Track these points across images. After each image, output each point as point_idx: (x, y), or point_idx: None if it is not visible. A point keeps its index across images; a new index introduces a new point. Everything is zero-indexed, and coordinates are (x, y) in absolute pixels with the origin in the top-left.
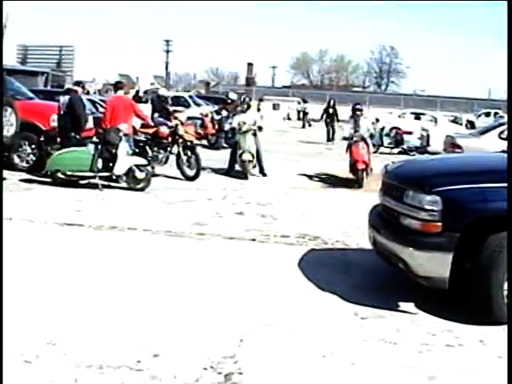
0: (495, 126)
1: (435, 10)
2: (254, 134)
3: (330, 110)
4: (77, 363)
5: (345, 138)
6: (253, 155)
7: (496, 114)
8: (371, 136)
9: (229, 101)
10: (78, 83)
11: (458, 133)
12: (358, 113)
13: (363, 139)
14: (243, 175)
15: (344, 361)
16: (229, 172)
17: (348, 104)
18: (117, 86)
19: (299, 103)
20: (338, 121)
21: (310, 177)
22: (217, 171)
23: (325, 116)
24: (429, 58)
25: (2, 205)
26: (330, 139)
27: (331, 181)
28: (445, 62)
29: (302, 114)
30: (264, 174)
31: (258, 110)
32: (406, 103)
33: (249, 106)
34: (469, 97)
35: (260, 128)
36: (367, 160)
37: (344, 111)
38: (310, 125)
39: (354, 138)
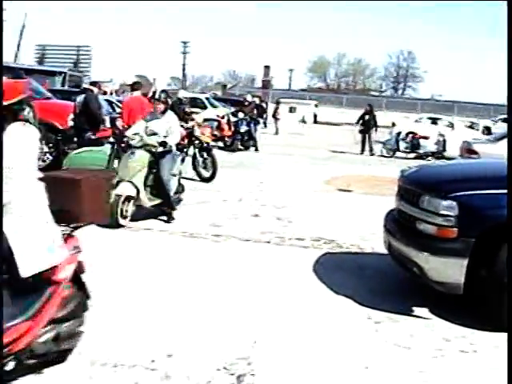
0: None
1: (455, 13)
2: (162, 155)
3: (367, 117)
4: (92, 361)
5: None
6: (138, 189)
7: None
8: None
9: (246, 103)
10: (94, 83)
11: (475, 138)
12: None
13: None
14: (111, 220)
15: (357, 364)
16: None
17: (364, 108)
18: (134, 86)
19: (316, 106)
20: (377, 129)
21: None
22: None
23: (360, 123)
24: (446, 62)
25: (2, 204)
26: (363, 150)
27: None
28: (463, 67)
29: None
30: (168, 218)
31: (274, 116)
32: (423, 108)
33: (166, 108)
34: (486, 102)
35: (163, 144)
36: None
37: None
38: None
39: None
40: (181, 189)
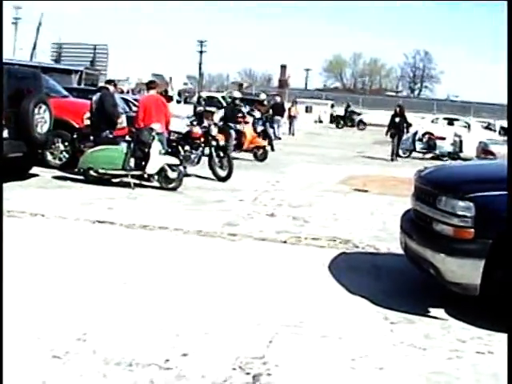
0: None
1: (468, 14)
2: None
3: (397, 119)
4: (106, 360)
5: None
6: None
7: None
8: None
9: (264, 102)
10: (110, 81)
11: (492, 139)
12: None
13: None
14: None
15: (372, 365)
16: None
17: (381, 108)
18: (149, 85)
19: (332, 106)
20: (408, 132)
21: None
22: None
23: (391, 126)
24: (463, 63)
25: (2, 203)
26: (393, 155)
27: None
28: (479, 67)
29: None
30: None
31: (289, 115)
32: (439, 109)
33: None
34: (503, 103)
35: None
36: None
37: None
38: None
39: None
40: None
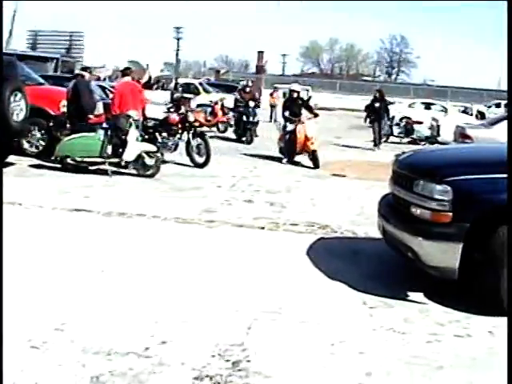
0: (506, 116)
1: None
2: None
3: (377, 104)
4: (85, 349)
5: None
6: None
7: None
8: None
9: (247, 89)
10: (85, 69)
11: (469, 123)
12: None
13: None
14: None
15: (352, 350)
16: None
17: (358, 93)
18: (124, 72)
19: (307, 91)
20: (389, 119)
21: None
22: None
23: (369, 111)
24: (439, 48)
25: (2, 198)
26: (376, 143)
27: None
28: (455, 52)
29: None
30: None
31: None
32: (416, 93)
33: None
34: (479, 87)
35: None
36: None
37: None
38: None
39: None
40: None
